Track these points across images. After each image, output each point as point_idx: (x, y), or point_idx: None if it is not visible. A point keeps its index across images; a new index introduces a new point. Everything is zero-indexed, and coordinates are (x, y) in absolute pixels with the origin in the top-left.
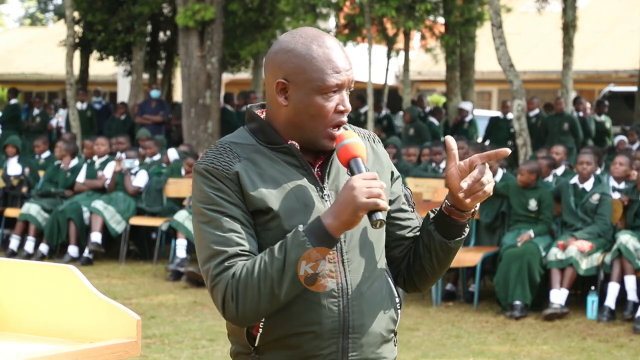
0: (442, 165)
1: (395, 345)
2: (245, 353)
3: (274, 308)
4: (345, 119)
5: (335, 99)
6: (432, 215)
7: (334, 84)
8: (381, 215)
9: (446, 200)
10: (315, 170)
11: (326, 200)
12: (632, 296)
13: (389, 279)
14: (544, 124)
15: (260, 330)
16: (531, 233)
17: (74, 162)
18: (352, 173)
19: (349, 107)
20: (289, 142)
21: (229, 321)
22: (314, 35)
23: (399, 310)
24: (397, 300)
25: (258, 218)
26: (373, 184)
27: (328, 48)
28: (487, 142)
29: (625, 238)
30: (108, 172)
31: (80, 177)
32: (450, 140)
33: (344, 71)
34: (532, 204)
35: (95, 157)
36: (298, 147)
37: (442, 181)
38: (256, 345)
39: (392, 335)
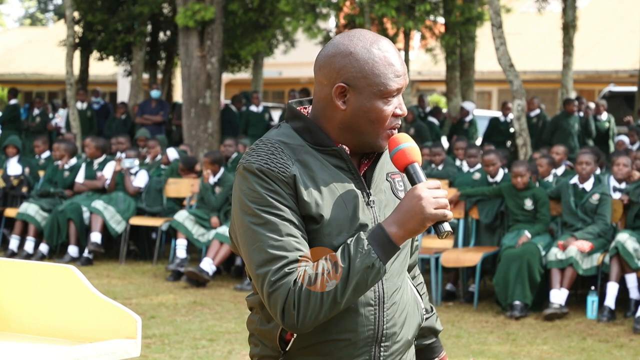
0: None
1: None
2: (272, 357)
3: (332, 315)
4: (400, 122)
5: (394, 103)
6: (432, 341)
7: (395, 89)
8: (448, 227)
9: None
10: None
11: (372, 207)
12: (634, 294)
13: (412, 285)
14: (554, 122)
15: (295, 335)
16: (527, 234)
17: (72, 161)
18: (411, 179)
19: (405, 110)
20: (338, 146)
21: (286, 328)
22: (372, 38)
23: (423, 316)
24: (422, 306)
25: (308, 225)
26: (439, 194)
27: (387, 52)
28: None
29: (623, 238)
30: (107, 172)
31: (80, 178)
32: None
33: (403, 75)
34: (528, 204)
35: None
36: (348, 151)
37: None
38: (287, 350)
39: (415, 339)
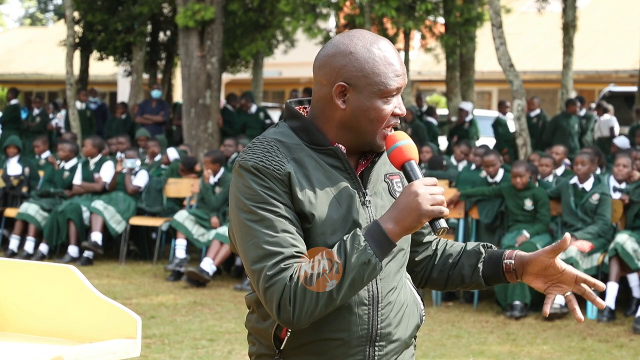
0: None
1: (414, 349)
2: (268, 355)
3: (328, 311)
4: (398, 121)
5: (394, 102)
6: (482, 255)
7: (394, 88)
8: (444, 223)
9: (512, 262)
10: (357, 175)
11: (367, 207)
12: (637, 293)
13: (412, 286)
14: (554, 123)
15: (289, 333)
16: (526, 234)
17: (72, 161)
18: (407, 177)
19: (404, 110)
20: (335, 145)
21: (282, 324)
22: (372, 38)
23: (423, 317)
24: (422, 307)
25: (301, 223)
26: (436, 191)
27: (387, 51)
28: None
29: (623, 238)
30: (104, 173)
31: (77, 179)
32: (566, 240)
33: (402, 75)
34: (528, 204)
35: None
36: (344, 151)
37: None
38: (282, 348)
39: (413, 340)
